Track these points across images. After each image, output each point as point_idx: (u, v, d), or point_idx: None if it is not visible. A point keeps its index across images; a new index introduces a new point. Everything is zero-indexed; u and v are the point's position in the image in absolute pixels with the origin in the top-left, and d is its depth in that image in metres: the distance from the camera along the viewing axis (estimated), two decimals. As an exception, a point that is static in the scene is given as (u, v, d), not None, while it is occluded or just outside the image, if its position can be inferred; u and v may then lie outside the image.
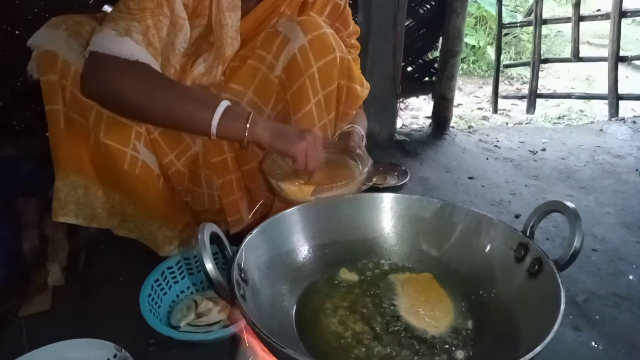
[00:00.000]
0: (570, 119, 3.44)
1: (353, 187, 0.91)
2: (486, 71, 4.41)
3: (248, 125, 0.88)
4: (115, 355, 0.84)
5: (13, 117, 1.73)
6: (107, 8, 1.66)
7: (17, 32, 1.59)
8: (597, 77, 3.99)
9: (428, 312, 0.68)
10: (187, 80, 1.03)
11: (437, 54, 2.14)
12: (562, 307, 0.52)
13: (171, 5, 0.91)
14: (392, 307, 0.68)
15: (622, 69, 3.60)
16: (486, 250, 0.70)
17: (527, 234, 0.66)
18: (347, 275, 0.75)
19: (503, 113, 3.48)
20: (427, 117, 2.28)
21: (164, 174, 1.09)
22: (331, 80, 1.04)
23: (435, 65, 2.12)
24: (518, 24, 3.53)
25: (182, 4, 0.93)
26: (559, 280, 0.56)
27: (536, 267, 0.61)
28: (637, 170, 1.87)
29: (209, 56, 1.04)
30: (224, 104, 0.89)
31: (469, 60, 4.52)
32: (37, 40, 0.97)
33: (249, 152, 1.11)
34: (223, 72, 1.07)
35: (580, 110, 3.54)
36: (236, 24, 1.02)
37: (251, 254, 0.63)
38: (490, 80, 3.44)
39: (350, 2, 1.82)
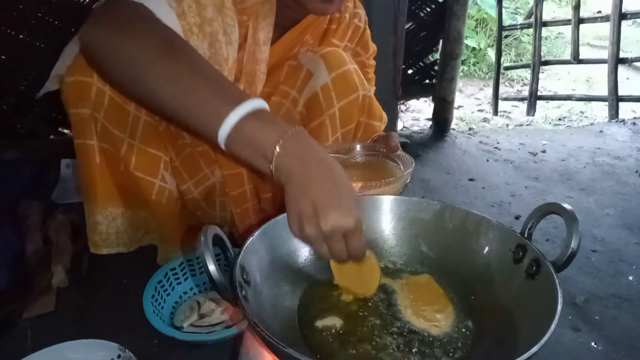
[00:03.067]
0: (571, 120, 3.45)
1: (397, 186, 0.90)
2: (487, 73, 4.42)
3: (277, 149, 0.59)
4: (119, 356, 0.85)
5: (16, 120, 1.74)
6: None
7: (21, 36, 1.61)
8: (597, 79, 4.00)
9: (428, 312, 0.69)
10: None
11: (437, 56, 2.15)
12: (559, 307, 0.53)
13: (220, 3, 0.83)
14: (392, 308, 0.69)
15: (623, 71, 3.61)
16: (485, 251, 0.71)
17: (525, 236, 0.67)
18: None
19: (504, 115, 3.49)
20: (428, 119, 2.29)
21: (182, 199, 1.10)
22: (351, 119, 1.01)
23: (436, 67, 2.14)
24: (518, 26, 3.54)
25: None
26: (557, 281, 0.57)
27: (534, 268, 0.62)
28: (637, 171, 1.88)
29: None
30: (257, 102, 0.62)
31: (469, 63, 4.53)
32: (59, 66, 0.89)
33: (269, 183, 1.06)
34: None
35: (581, 112, 3.55)
36: (267, 58, 0.98)
37: (253, 255, 0.64)
38: (491, 82, 3.45)
39: (351, 5, 1.85)
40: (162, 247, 1.11)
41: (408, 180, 0.94)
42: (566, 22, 3.08)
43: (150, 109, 0.90)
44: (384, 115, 1.11)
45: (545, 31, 3.81)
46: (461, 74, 4.33)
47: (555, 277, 0.58)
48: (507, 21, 4.28)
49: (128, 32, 0.66)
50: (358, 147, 1.02)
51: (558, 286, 0.56)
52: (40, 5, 1.59)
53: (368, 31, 1.19)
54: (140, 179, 0.96)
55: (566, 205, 0.61)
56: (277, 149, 0.58)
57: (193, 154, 1.09)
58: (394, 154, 1.00)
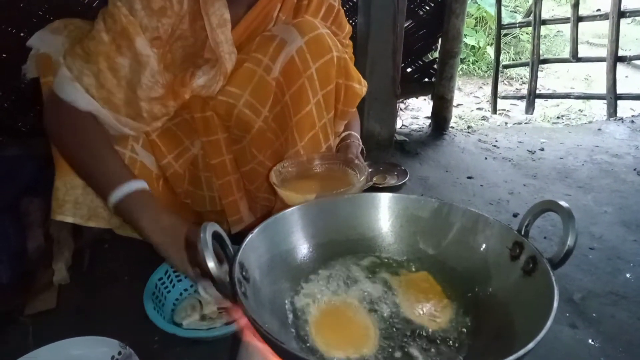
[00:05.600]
0: (569, 118, 3.45)
1: (352, 193, 0.94)
2: (486, 71, 4.42)
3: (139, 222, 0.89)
4: (119, 353, 0.86)
5: (18, 118, 1.75)
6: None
7: (22, 34, 1.61)
8: (596, 77, 4.00)
9: (426, 309, 0.69)
10: (185, 93, 1.02)
11: (436, 55, 2.15)
12: (555, 304, 0.54)
13: (131, 45, 0.91)
14: (391, 305, 0.70)
15: (622, 69, 3.62)
16: (482, 248, 0.71)
17: (522, 233, 0.68)
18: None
19: (502, 113, 3.49)
20: (427, 117, 2.30)
21: (163, 175, 1.11)
22: (329, 80, 1.05)
23: (435, 66, 2.14)
24: (517, 25, 3.54)
25: (144, 42, 0.92)
26: (553, 279, 0.58)
27: (531, 265, 0.63)
28: (635, 169, 1.89)
29: (210, 70, 1.02)
30: (135, 184, 0.91)
31: (468, 61, 4.53)
32: (37, 42, 1.00)
33: (247, 154, 1.13)
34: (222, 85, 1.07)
35: (580, 110, 3.55)
36: (229, 37, 1.01)
37: (252, 252, 0.65)
38: (490, 81, 3.45)
39: (350, 3, 1.86)
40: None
41: (363, 187, 0.98)
42: (565, 20, 3.08)
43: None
44: (363, 80, 1.15)
45: (544, 29, 3.81)
46: (460, 72, 4.33)
47: (551, 274, 0.58)
48: (506, 19, 4.28)
49: (56, 128, 0.94)
50: (319, 157, 1.06)
51: (554, 283, 0.57)
52: (42, 3, 1.59)
53: (342, 11, 1.21)
54: None
55: (563, 203, 0.62)
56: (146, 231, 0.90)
57: (170, 128, 1.12)
58: (352, 163, 1.05)
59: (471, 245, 0.73)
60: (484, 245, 0.71)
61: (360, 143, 1.18)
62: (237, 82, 1.05)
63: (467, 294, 0.70)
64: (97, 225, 1.06)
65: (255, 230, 0.67)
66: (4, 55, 1.65)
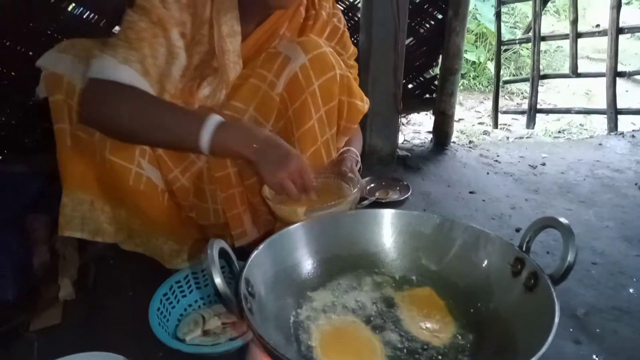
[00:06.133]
0: (571, 133, 3.47)
1: (344, 207, 0.95)
2: (487, 86, 4.46)
3: (241, 145, 0.90)
4: (124, 368, 0.86)
5: (24, 134, 1.77)
6: (118, 29, 1.71)
7: (30, 53, 1.64)
8: (596, 92, 4.03)
9: (429, 325, 0.70)
10: (193, 103, 1.06)
11: (437, 71, 2.18)
12: (557, 320, 0.55)
13: (167, 35, 0.95)
14: (394, 320, 0.70)
15: (622, 83, 3.64)
16: (484, 264, 0.72)
17: (524, 249, 0.69)
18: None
19: (504, 128, 3.51)
20: (429, 132, 2.32)
21: (169, 189, 1.12)
22: (332, 96, 1.07)
23: (436, 82, 2.16)
24: (517, 41, 3.58)
25: (178, 33, 0.96)
26: (554, 294, 0.58)
27: (532, 281, 0.64)
28: (636, 184, 1.89)
29: (214, 80, 1.07)
30: (215, 118, 0.89)
31: (469, 76, 4.57)
32: (45, 62, 1.02)
33: (251, 167, 1.15)
34: (226, 94, 1.10)
35: (581, 124, 3.57)
36: (237, 49, 1.05)
37: (257, 268, 0.66)
38: (491, 96, 3.48)
39: (352, 21, 1.89)
40: (152, 250, 1.13)
41: (356, 200, 1.00)
42: (564, 36, 3.12)
43: (144, 145, 1.05)
44: (365, 97, 1.18)
45: (544, 44, 3.85)
46: (461, 87, 4.37)
47: (552, 290, 0.59)
48: (506, 36, 4.33)
49: (116, 106, 0.90)
50: (313, 170, 1.05)
51: (555, 299, 0.58)
52: (49, 22, 1.62)
53: (347, 33, 1.24)
54: (116, 163, 1.00)
55: (562, 220, 0.63)
56: (252, 148, 0.90)
57: None
58: (346, 176, 1.07)
59: (473, 261, 0.74)
60: (485, 261, 0.72)
61: (358, 157, 1.19)
62: (242, 97, 1.08)
63: (470, 310, 0.70)
64: (104, 240, 1.08)
65: (261, 247, 0.68)
66: (12, 73, 1.68)
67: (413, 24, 2.00)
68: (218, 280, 0.54)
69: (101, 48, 0.95)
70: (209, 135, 0.87)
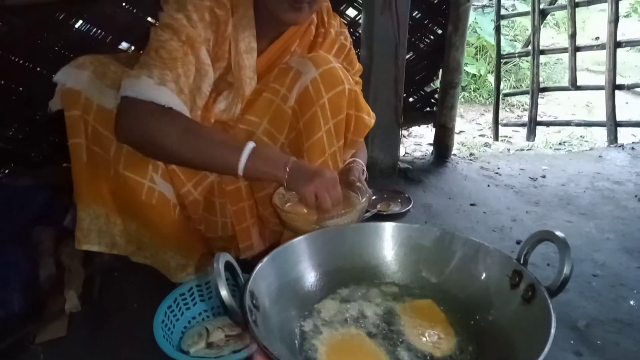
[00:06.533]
0: (571, 145, 3.48)
1: (353, 215, 0.97)
2: (487, 99, 4.48)
3: (273, 168, 0.95)
4: (130, 380, 0.87)
5: (31, 148, 1.80)
6: (125, 45, 1.74)
7: (38, 68, 1.67)
8: (597, 104, 4.05)
9: (431, 336, 0.71)
10: (210, 117, 1.09)
11: (437, 85, 2.21)
12: (553, 331, 0.56)
13: (196, 54, 0.98)
14: (397, 332, 0.72)
15: (622, 95, 3.66)
16: (483, 277, 0.74)
17: (522, 262, 0.70)
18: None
19: (505, 140, 3.53)
20: (430, 144, 2.34)
21: (181, 203, 1.14)
22: (340, 110, 1.10)
23: (436, 95, 2.19)
24: (516, 55, 3.61)
25: (205, 51, 1.00)
26: (550, 306, 0.60)
27: (530, 293, 0.65)
28: (636, 196, 1.90)
29: (229, 95, 1.10)
30: (250, 145, 0.94)
31: (470, 89, 4.60)
32: (62, 77, 1.03)
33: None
34: (241, 108, 1.13)
35: (581, 136, 3.59)
36: (253, 64, 1.09)
37: (262, 281, 0.68)
38: (492, 108, 3.50)
39: (354, 37, 1.93)
40: (159, 263, 1.15)
41: (365, 209, 1.02)
42: (563, 50, 3.15)
43: (180, 166, 1.09)
44: (371, 112, 1.21)
45: (544, 57, 3.88)
46: (462, 99, 4.40)
47: (549, 302, 0.61)
48: (505, 48, 4.37)
49: (155, 128, 0.92)
50: None
51: (552, 311, 0.59)
52: (58, 39, 1.66)
53: (353, 50, 1.29)
54: (130, 178, 1.02)
55: (558, 233, 0.65)
56: (287, 171, 0.94)
57: None
58: (354, 185, 1.10)
59: (473, 273, 0.75)
60: (485, 274, 0.74)
61: (364, 168, 1.22)
62: (256, 111, 1.12)
63: (470, 321, 0.72)
64: (118, 253, 1.10)
65: (265, 259, 0.70)
66: (20, 88, 1.71)
67: (413, 39, 2.03)
68: (224, 292, 0.56)
69: (128, 69, 0.97)
70: (244, 162, 0.93)
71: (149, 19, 1.70)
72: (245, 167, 0.93)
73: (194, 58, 0.98)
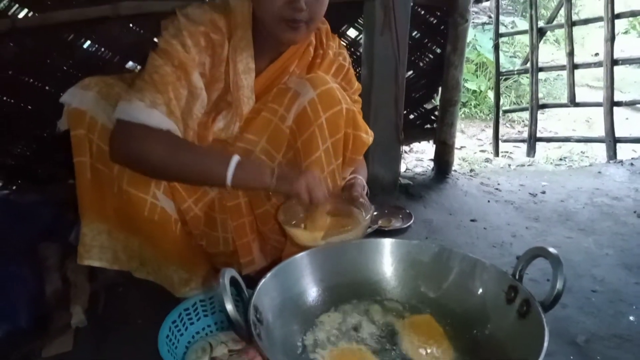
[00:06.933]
0: (572, 160, 3.51)
1: (358, 231, 0.99)
2: (488, 114, 4.53)
3: (259, 175, 1.00)
4: (135, 394, 0.88)
5: (38, 165, 1.83)
6: (131, 64, 1.79)
7: (47, 87, 1.71)
8: (597, 119, 4.08)
9: (430, 350, 0.73)
10: (208, 136, 1.12)
11: (437, 102, 2.25)
12: (545, 344, 0.58)
13: (189, 78, 1.02)
14: (397, 346, 0.74)
15: (622, 110, 3.69)
16: (480, 292, 0.76)
17: (517, 277, 0.72)
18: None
19: (506, 155, 3.56)
20: (431, 160, 2.37)
21: (182, 219, 1.17)
22: (338, 129, 1.13)
23: (436, 113, 2.23)
24: (515, 72, 3.66)
25: (198, 75, 1.04)
26: (544, 320, 0.62)
27: (525, 308, 0.67)
28: (635, 212, 1.92)
29: (228, 114, 1.14)
30: (235, 158, 0.99)
31: (470, 105, 4.64)
32: (69, 98, 1.08)
33: (261, 196, 1.20)
34: (240, 127, 1.17)
35: (582, 152, 3.61)
36: (251, 84, 1.13)
37: (265, 296, 0.70)
38: (492, 124, 3.54)
39: (355, 56, 1.97)
40: (162, 278, 1.17)
41: (368, 225, 1.04)
42: (561, 67, 3.20)
43: (172, 182, 1.13)
44: (369, 130, 1.24)
45: (544, 73, 3.93)
46: (463, 115, 4.44)
47: (542, 316, 0.63)
48: (505, 65, 4.42)
49: (147, 147, 0.97)
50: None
51: (545, 325, 0.61)
52: (66, 59, 1.70)
53: (352, 70, 1.32)
54: (133, 194, 1.05)
55: (551, 249, 0.67)
56: (274, 174, 1.00)
57: None
58: (357, 201, 1.12)
59: (470, 288, 0.77)
60: (481, 289, 0.76)
61: (365, 185, 1.24)
62: (254, 130, 1.15)
63: (467, 336, 0.73)
64: (120, 268, 1.12)
65: (268, 275, 0.72)
66: (29, 107, 1.75)
67: (413, 58, 2.07)
68: (230, 307, 0.58)
69: (127, 90, 1.01)
70: (232, 173, 0.97)
71: (155, 39, 1.74)
72: (233, 176, 0.97)
73: (186, 82, 1.02)
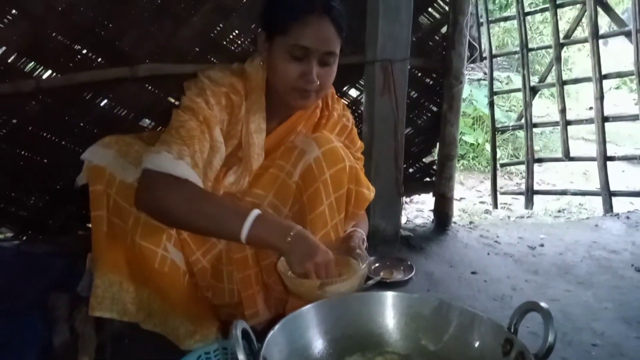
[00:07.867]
0: (571, 212, 3.56)
1: (354, 281, 1.03)
2: (486, 167, 4.63)
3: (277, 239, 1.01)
4: None
5: (49, 216, 1.89)
6: (146, 121, 1.88)
7: (63, 142, 1.80)
8: (593, 172, 4.16)
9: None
10: (219, 189, 1.20)
11: (436, 156, 2.33)
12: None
13: (211, 133, 1.11)
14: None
15: (618, 163, 3.78)
16: (477, 344, 0.79)
17: (512, 330, 0.76)
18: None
19: (505, 207, 3.62)
20: (431, 210, 2.42)
21: (190, 270, 1.21)
22: (341, 185, 1.20)
23: (435, 166, 2.31)
24: (510, 127, 3.79)
25: (219, 131, 1.13)
26: (538, 373, 0.65)
27: (520, 360, 0.71)
28: (632, 265, 1.95)
29: (238, 169, 1.22)
30: (255, 212, 1.02)
31: (469, 157, 4.76)
32: (90, 155, 1.16)
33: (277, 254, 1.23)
34: (249, 182, 1.24)
35: (580, 204, 3.68)
36: (262, 143, 1.22)
37: (274, 347, 0.73)
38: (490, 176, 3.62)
39: (356, 114, 2.08)
40: (168, 330, 1.19)
41: (365, 275, 1.08)
42: (555, 123, 3.32)
43: (191, 232, 1.17)
44: (371, 186, 1.31)
45: (540, 127, 4.05)
46: (462, 167, 4.55)
47: (536, 368, 0.66)
48: (501, 119, 4.58)
49: (171, 197, 1.02)
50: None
51: (539, 377, 0.64)
52: (84, 116, 1.79)
53: (355, 130, 1.42)
54: (144, 247, 1.10)
55: (543, 304, 0.71)
56: (286, 242, 1.01)
57: None
58: (354, 252, 1.17)
59: (468, 341, 0.81)
60: (479, 342, 0.80)
61: (364, 237, 1.30)
62: (263, 185, 1.23)
63: (466, 389, 0.76)
64: (129, 320, 1.15)
65: (276, 327, 0.76)
66: (44, 160, 1.83)
67: (411, 115, 2.18)
68: (242, 357, 0.62)
69: (153, 144, 1.09)
70: (248, 229, 0.99)
71: (170, 98, 1.85)
72: (248, 233, 0.99)
73: (209, 136, 1.11)
